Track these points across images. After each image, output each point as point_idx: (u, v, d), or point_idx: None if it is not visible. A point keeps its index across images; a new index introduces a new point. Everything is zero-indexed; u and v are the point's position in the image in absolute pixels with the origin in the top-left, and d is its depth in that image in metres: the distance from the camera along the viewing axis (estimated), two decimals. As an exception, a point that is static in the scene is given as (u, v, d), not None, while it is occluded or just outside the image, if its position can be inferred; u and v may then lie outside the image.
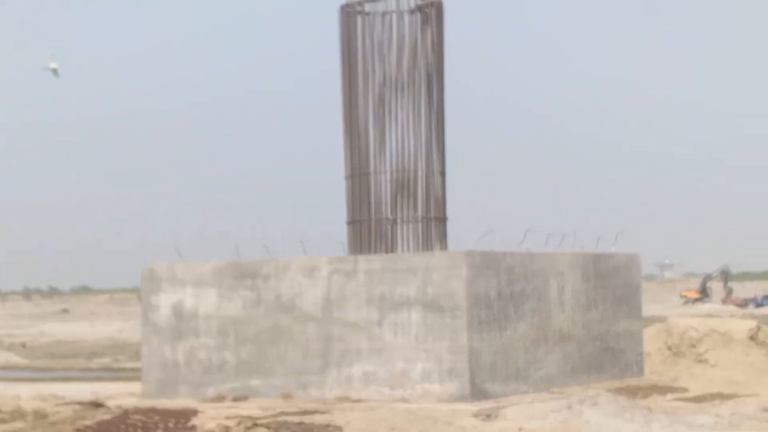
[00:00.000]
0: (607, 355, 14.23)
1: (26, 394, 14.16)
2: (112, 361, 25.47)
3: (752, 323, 16.68)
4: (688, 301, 65.04)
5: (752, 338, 16.07)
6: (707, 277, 69.99)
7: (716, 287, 69.04)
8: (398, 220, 13.40)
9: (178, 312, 13.34)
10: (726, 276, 70.84)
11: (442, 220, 13.76)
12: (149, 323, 13.54)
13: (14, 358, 26.85)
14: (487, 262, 12.14)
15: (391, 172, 13.44)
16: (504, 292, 12.39)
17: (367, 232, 13.47)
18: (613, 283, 14.42)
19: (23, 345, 38.58)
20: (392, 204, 13.44)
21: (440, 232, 13.72)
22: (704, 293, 66.75)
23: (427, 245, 13.43)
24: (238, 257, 13.21)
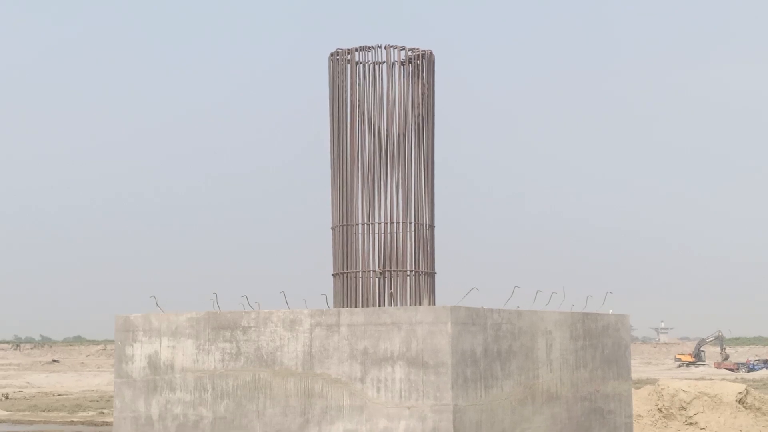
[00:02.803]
0: (596, 417, 13.82)
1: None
2: (97, 415, 24.92)
3: (741, 386, 16.37)
4: (682, 364, 64.54)
5: (741, 401, 15.75)
6: (702, 342, 69.75)
7: (710, 351, 68.75)
8: (386, 274, 13.09)
9: (153, 364, 12.93)
10: (721, 341, 70.64)
11: (430, 274, 13.45)
12: (123, 375, 13.12)
13: (-5, 411, 26.32)
14: (473, 317, 11.79)
15: (380, 224, 13.17)
16: (490, 349, 12.02)
17: (354, 284, 13.15)
18: (602, 342, 14.05)
19: (5, 396, 37.84)
20: (380, 257, 13.15)
21: (429, 287, 13.41)
22: (698, 357, 66.29)
23: (416, 300, 13.11)
24: (218, 308, 12.86)
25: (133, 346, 13.09)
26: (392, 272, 13.08)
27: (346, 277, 13.18)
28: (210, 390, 12.53)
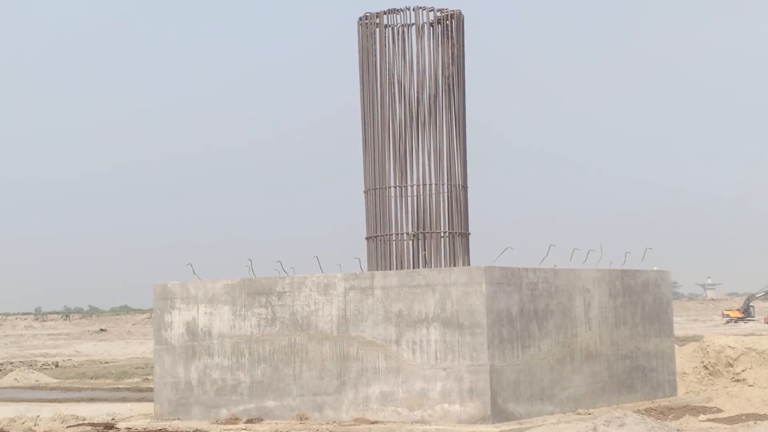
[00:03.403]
0: (638, 374, 13.69)
1: (47, 415, 13.95)
2: (142, 381, 25.24)
3: (791, 342, 16.08)
4: (730, 321, 63.90)
5: (790, 357, 15.48)
6: (750, 297, 68.87)
7: (759, 306, 67.94)
8: (419, 236, 13.01)
9: (191, 330, 13.02)
10: (770, 295, 69.72)
11: (464, 235, 13.35)
12: (162, 342, 13.23)
13: (45, 378, 26.80)
14: (507, 277, 11.69)
15: (413, 187, 13.07)
16: (527, 308, 11.92)
17: (388, 247, 13.10)
18: (642, 299, 13.89)
19: (55, 365, 38.62)
20: (413, 219, 13.07)
21: (463, 248, 13.31)
22: (747, 312, 65.55)
23: (452, 261, 13.03)
24: (253, 274, 12.88)
25: (171, 313, 13.19)
26: (426, 234, 13.01)
27: (380, 240, 13.13)
28: (247, 355, 12.60)
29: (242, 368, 12.63)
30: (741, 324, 60.60)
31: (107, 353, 47.10)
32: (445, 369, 11.48)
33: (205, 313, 12.93)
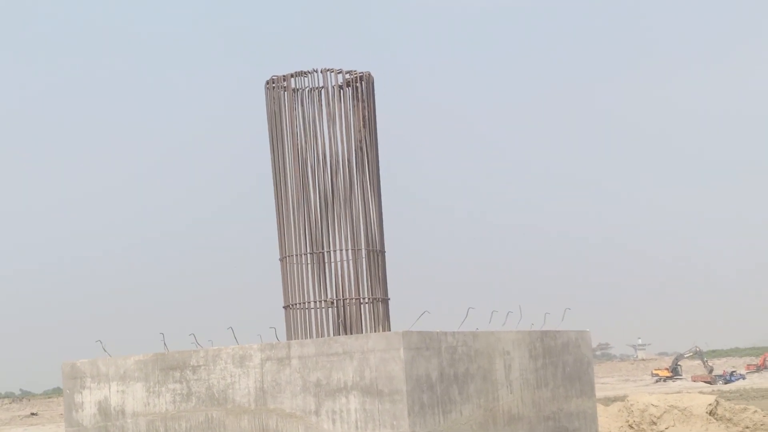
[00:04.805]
0: (562, 436, 13.57)
1: None
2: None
3: (711, 398, 16.18)
4: (659, 380, 64.44)
5: (712, 413, 15.55)
6: (679, 356, 69.72)
7: (687, 365, 68.82)
8: (337, 303, 12.81)
9: (103, 410, 12.56)
10: (701, 354, 70.66)
11: (384, 300, 13.21)
12: (73, 424, 12.73)
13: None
14: (426, 342, 11.54)
15: (328, 253, 12.91)
16: (446, 373, 11.76)
17: (306, 316, 12.87)
18: (562, 360, 13.84)
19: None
20: (331, 286, 12.88)
21: (383, 314, 13.15)
22: (675, 371, 66.23)
23: (374, 327, 12.84)
24: (165, 348, 12.52)
25: (82, 393, 12.71)
26: (344, 301, 12.82)
27: (298, 308, 12.90)
28: (162, 433, 12.16)
29: (158, 447, 12.18)
30: (669, 383, 61.22)
31: (36, 438, 45.56)
32: (366, 438, 11.21)
33: (118, 391, 12.49)
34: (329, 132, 12.95)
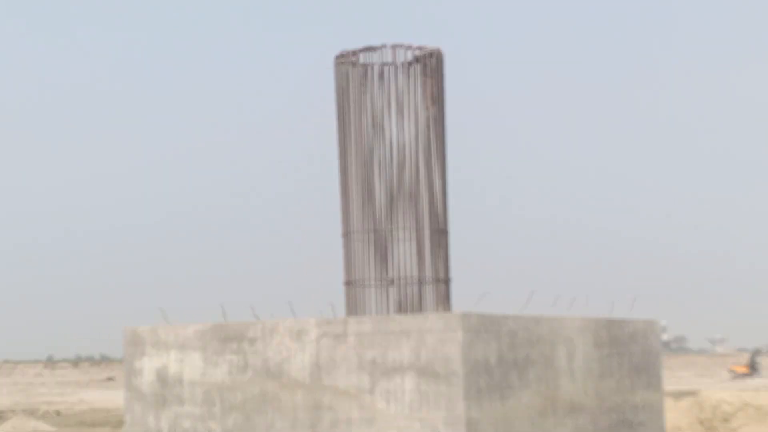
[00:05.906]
0: (625, 429, 13.19)
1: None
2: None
3: (787, 396, 15.57)
4: (736, 376, 62.93)
5: (786, 412, 14.96)
6: (756, 352, 68.02)
7: (765, 362, 67.04)
8: (398, 282, 12.62)
9: (161, 377, 12.61)
10: (778, 351, 68.84)
11: (445, 281, 12.97)
12: (132, 389, 12.82)
13: (43, 427, 26.62)
14: (486, 325, 11.28)
15: (394, 230, 12.71)
16: (506, 357, 11.49)
17: (365, 293, 12.71)
18: (629, 350, 13.44)
19: (57, 413, 38.27)
20: (392, 264, 12.69)
21: (444, 294, 12.92)
22: (753, 368, 64.55)
23: (434, 307, 12.64)
24: (224, 319, 12.50)
25: (141, 359, 12.79)
26: (405, 279, 12.62)
27: (358, 285, 12.75)
28: (218, 403, 12.17)
29: (214, 417, 12.20)
30: (747, 379, 59.70)
31: (112, 402, 46.60)
32: (420, 420, 11.04)
33: (176, 359, 12.52)
34: (398, 107, 12.73)
